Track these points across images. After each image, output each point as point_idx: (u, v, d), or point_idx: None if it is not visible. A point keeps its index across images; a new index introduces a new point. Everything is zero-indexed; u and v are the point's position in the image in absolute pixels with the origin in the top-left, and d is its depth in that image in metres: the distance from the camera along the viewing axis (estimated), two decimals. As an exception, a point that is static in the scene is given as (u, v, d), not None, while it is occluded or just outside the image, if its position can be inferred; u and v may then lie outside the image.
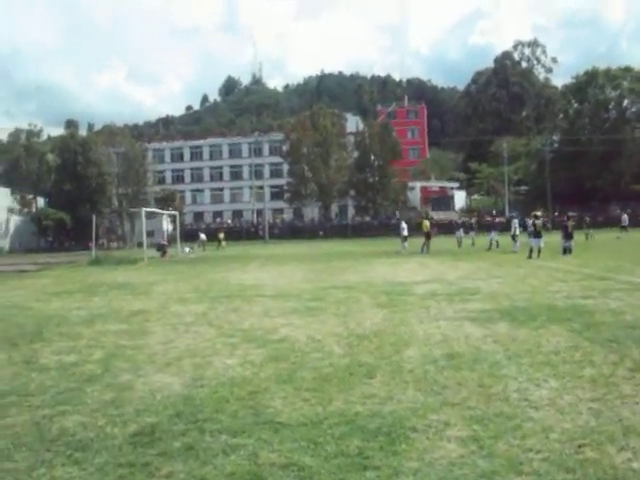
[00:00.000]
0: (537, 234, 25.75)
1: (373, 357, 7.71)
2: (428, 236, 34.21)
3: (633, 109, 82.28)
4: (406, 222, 39.19)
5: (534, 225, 26.31)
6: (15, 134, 64.57)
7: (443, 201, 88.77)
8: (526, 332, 8.93)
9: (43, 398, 6.32)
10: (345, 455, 4.50)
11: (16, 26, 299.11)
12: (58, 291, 18.22)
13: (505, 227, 39.69)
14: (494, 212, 77.05)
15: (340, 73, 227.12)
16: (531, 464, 4.21)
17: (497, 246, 33.67)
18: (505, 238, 34.79)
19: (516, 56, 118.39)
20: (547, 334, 8.72)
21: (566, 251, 26.15)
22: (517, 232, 32.34)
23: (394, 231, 58.85)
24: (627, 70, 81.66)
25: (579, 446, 4.50)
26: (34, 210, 64.35)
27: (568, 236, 26.75)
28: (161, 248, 39.47)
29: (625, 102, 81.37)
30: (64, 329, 10.78)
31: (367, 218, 79.44)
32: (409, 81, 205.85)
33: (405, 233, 35.52)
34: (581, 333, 8.68)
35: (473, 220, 47.44)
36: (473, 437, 4.77)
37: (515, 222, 33.69)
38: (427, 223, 35.92)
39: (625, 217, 47.30)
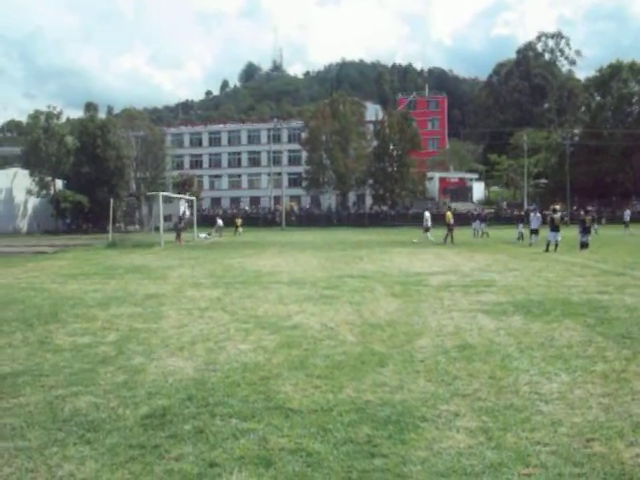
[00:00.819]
0: (555, 228, 25.56)
1: (385, 346, 7.73)
2: (449, 227, 34.13)
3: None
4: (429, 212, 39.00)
5: (552, 219, 26.10)
6: (35, 116, 64.60)
7: (461, 192, 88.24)
8: (540, 325, 8.91)
9: (57, 378, 6.41)
10: (354, 442, 4.54)
11: (39, 8, 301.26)
12: (75, 273, 18.39)
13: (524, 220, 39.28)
14: (505, 205, 76.49)
15: (361, 61, 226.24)
16: (539, 457, 4.22)
17: (518, 238, 33.72)
18: (525, 231, 34.57)
19: (539, 48, 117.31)
20: (561, 328, 8.69)
21: (583, 246, 25.93)
22: (538, 226, 32.13)
23: (413, 221, 58.73)
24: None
25: (588, 440, 4.51)
26: (52, 192, 64.51)
27: (585, 231, 26.52)
28: (178, 228, 39.75)
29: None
30: (79, 311, 10.90)
31: (385, 208, 79.09)
32: (430, 71, 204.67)
33: (429, 224, 35.47)
34: (595, 328, 8.65)
35: (486, 212, 47.16)
36: (482, 428, 4.79)
37: (537, 215, 33.49)
38: (449, 214, 35.82)
39: (628, 212, 46.60)
